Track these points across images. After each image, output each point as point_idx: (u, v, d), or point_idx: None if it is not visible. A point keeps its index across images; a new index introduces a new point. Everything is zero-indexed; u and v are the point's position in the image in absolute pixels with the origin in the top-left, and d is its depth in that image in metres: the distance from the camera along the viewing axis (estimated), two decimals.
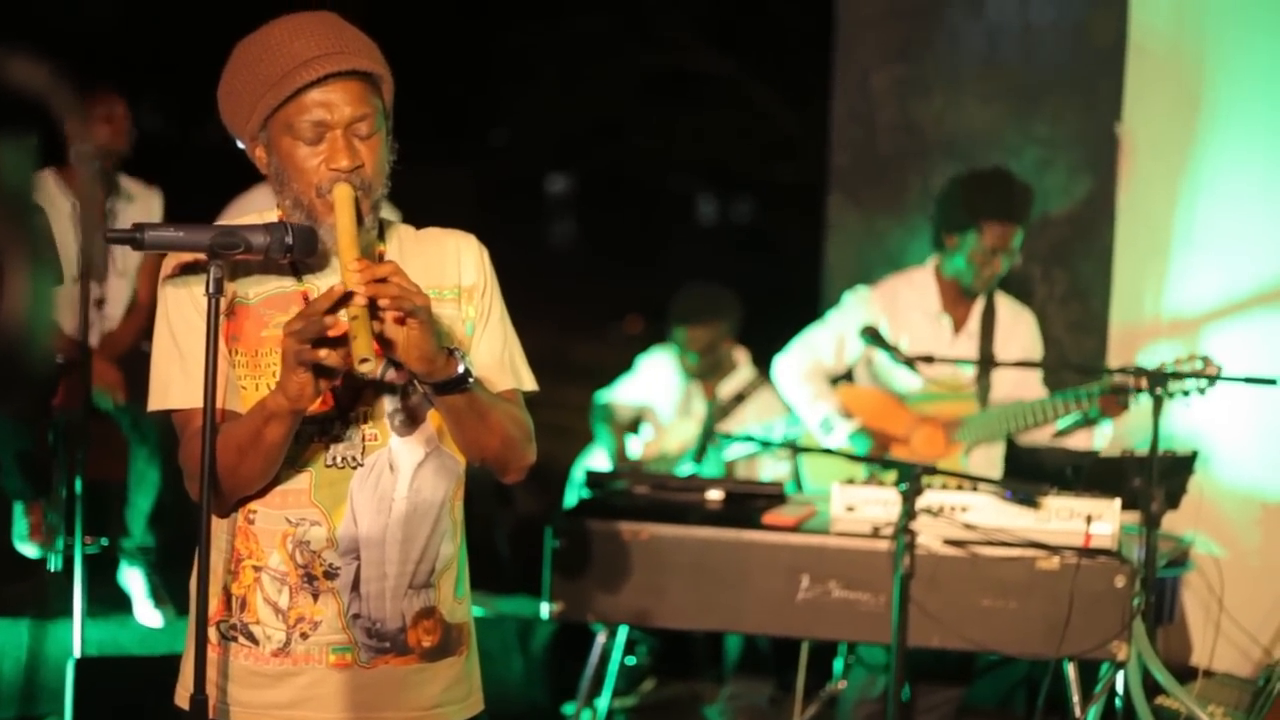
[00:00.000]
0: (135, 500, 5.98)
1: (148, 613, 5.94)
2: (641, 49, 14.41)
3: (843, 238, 7.12)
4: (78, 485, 5.70)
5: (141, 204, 6.18)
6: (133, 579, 5.97)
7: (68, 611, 5.60)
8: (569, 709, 5.90)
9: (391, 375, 2.88)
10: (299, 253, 2.82)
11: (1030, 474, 5.58)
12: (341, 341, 2.67)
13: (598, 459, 7.07)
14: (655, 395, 7.03)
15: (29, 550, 6.01)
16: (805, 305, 6.79)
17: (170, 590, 5.99)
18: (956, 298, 5.72)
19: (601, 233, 17.89)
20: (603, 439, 7.13)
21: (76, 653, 5.48)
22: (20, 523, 6.00)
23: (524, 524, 7.21)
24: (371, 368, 2.61)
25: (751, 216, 18.01)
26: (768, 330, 5.96)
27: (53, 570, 5.99)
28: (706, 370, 6.89)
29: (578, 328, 12.52)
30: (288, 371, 2.68)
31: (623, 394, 7.14)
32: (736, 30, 14.13)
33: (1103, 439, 5.41)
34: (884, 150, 7.01)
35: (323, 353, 2.65)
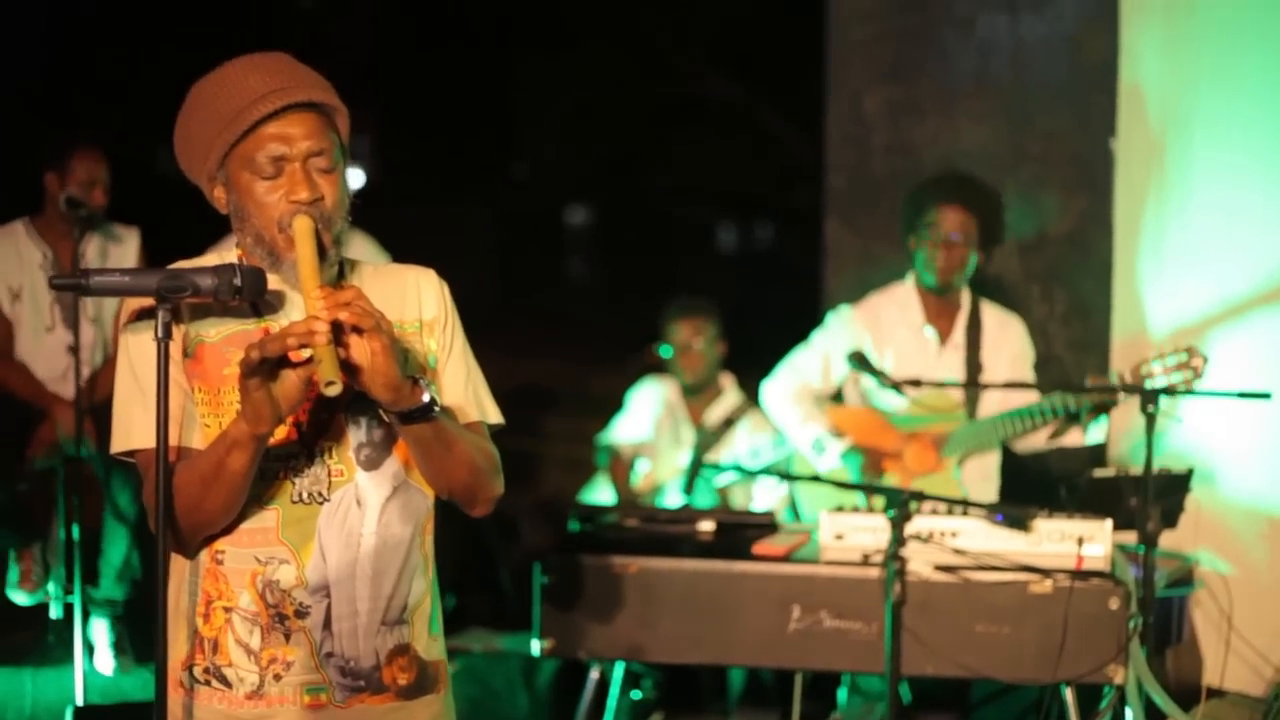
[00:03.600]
0: (106, 553, 5.99)
1: (107, 663, 5.94)
2: (654, 79, 14.43)
3: (840, 261, 7.10)
4: (75, 532, 5.71)
5: (129, 244, 6.21)
6: (98, 630, 5.97)
7: (69, 659, 5.62)
8: None
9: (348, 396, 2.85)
10: (248, 294, 2.82)
11: (1030, 483, 5.54)
12: (299, 365, 2.68)
13: (600, 496, 7.08)
14: (646, 427, 7.04)
15: (19, 598, 6.03)
16: (811, 331, 6.75)
17: (139, 642, 5.99)
18: (940, 309, 5.69)
19: (619, 264, 17.91)
20: (606, 480, 7.15)
21: (78, 700, 5.47)
22: (11, 571, 6.03)
23: (530, 559, 7.19)
24: (337, 389, 2.61)
25: (769, 243, 18.01)
26: (779, 356, 5.94)
27: (53, 618, 6.01)
28: (702, 380, 6.89)
29: (598, 360, 12.51)
30: (244, 393, 2.68)
31: (621, 432, 7.15)
32: (744, 56, 14.14)
33: (1099, 432, 5.36)
34: (879, 173, 6.99)
35: (255, 355, 2.64)
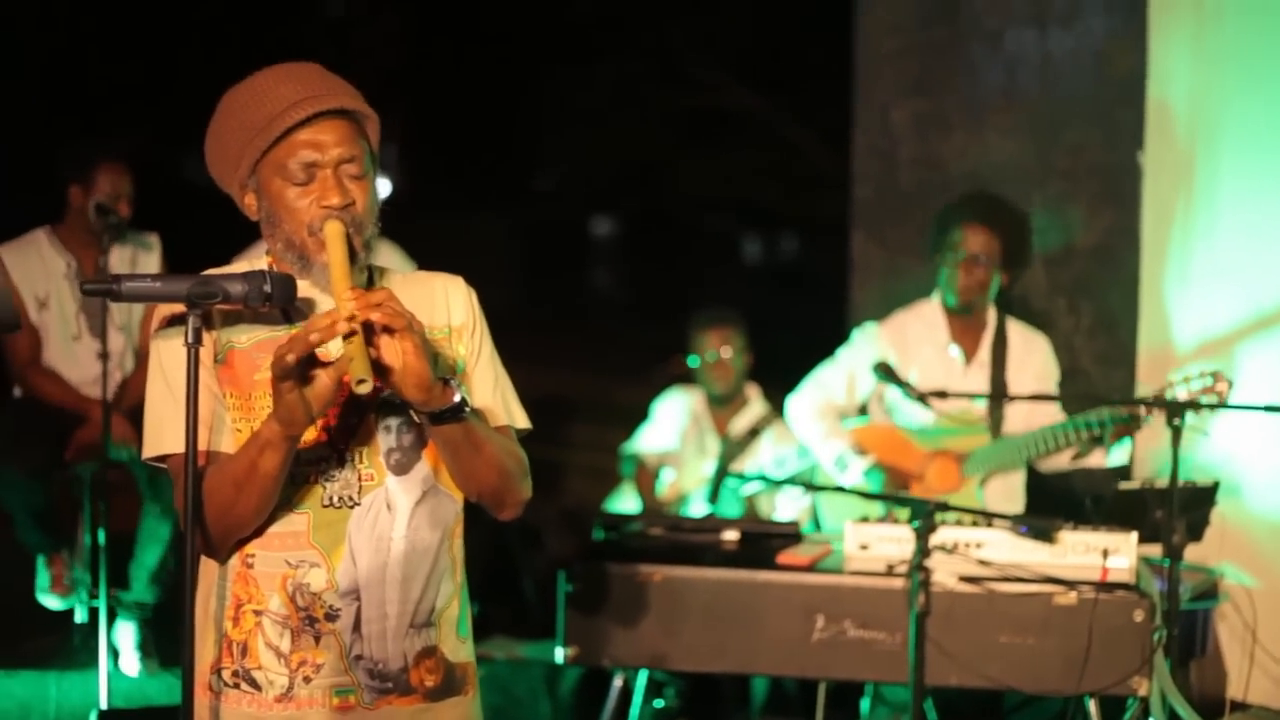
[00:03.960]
0: (141, 555, 6.00)
1: (133, 665, 5.95)
2: (680, 90, 14.43)
3: (866, 274, 7.11)
4: (101, 537, 5.73)
5: (155, 251, 6.24)
6: (124, 632, 5.98)
7: (94, 663, 5.63)
8: None
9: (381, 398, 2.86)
10: (278, 300, 2.85)
11: (1054, 501, 5.53)
12: (330, 365, 2.71)
13: (625, 506, 7.10)
14: (672, 436, 7.06)
15: (51, 602, 6.05)
16: (837, 343, 6.77)
17: (165, 646, 6.00)
18: (965, 327, 5.70)
19: (643, 274, 17.90)
20: (632, 490, 7.16)
21: (102, 704, 5.49)
22: (42, 575, 6.05)
23: (553, 568, 7.21)
24: (368, 388, 2.64)
25: (794, 255, 17.97)
26: (806, 371, 5.96)
27: (79, 622, 6.04)
28: (730, 390, 6.91)
29: (621, 370, 12.54)
30: (277, 393, 2.70)
31: (646, 442, 7.17)
32: (770, 68, 14.14)
33: (1122, 454, 5.37)
34: (905, 186, 6.99)
35: (290, 358, 2.66)
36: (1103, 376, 6.54)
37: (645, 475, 7.14)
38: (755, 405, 6.99)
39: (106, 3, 11.26)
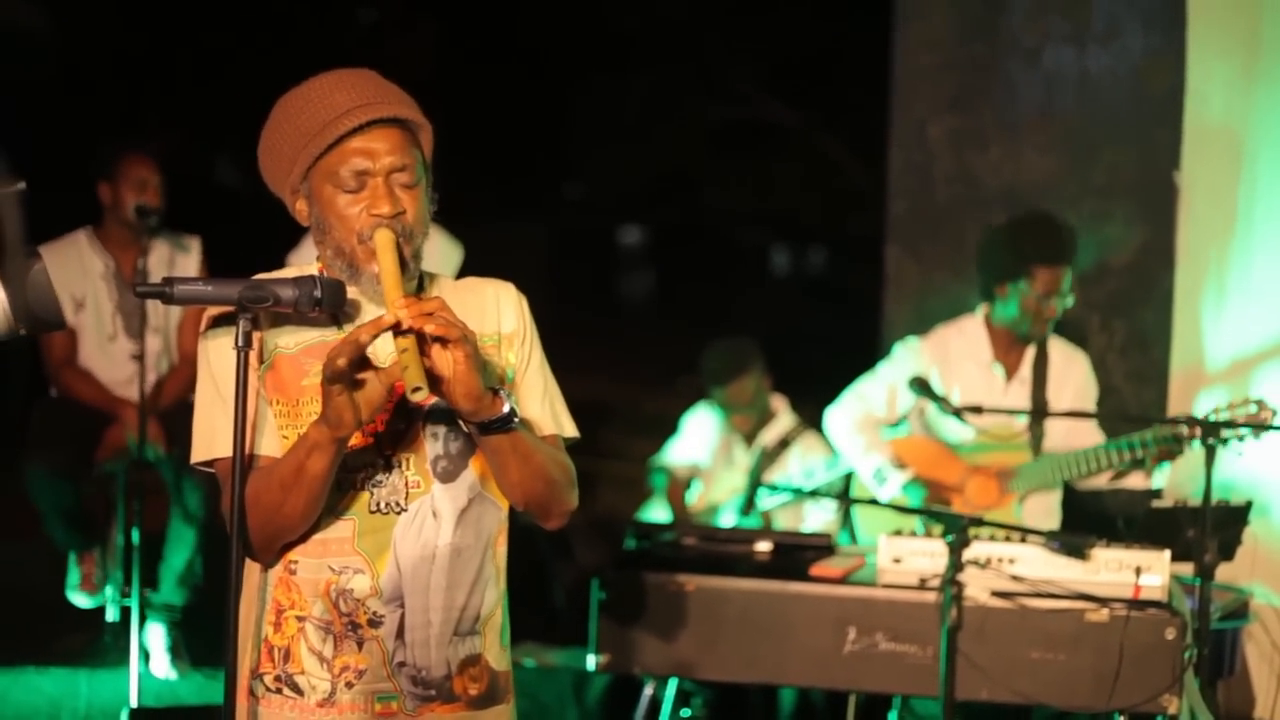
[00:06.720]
0: (168, 558, 6.02)
1: (163, 668, 5.97)
2: (712, 101, 14.45)
3: (900, 290, 7.10)
4: (135, 536, 5.76)
5: (194, 253, 6.27)
6: (154, 634, 6.00)
7: (125, 661, 5.66)
8: None
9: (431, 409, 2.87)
10: (328, 305, 2.85)
11: (1089, 519, 5.53)
12: (381, 370, 2.72)
13: (656, 517, 7.11)
14: (701, 451, 7.07)
15: (80, 600, 6.08)
16: (869, 357, 6.78)
17: (195, 647, 6.02)
18: (1009, 345, 5.70)
19: (674, 285, 17.91)
20: (663, 503, 7.17)
21: (133, 702, 5.52)
22: (72, 573, 6.08)
23: (584, 576, 7.23)
24: (424, 395, 2.64)
25: (824, 269, 17.96)
26: (837, 384, 5.95)
27: (110, 621, 6.07)
28: (756, 422, 6.92)
29: (649, 379, 12.55)
30: (327, 395, 2.71)
31: (675, 454, 7.19)
32: (807, 82, 14.14)
33: (1162, 478, 5.37)
34: (941, 201, 6.99)
35: (341, 362, 2.67)
36: (1134, 395, 6.54)
37: (676, 487, 7.15)
38: (784, 417, 6.99)
39: (143, 10, 11.33)
